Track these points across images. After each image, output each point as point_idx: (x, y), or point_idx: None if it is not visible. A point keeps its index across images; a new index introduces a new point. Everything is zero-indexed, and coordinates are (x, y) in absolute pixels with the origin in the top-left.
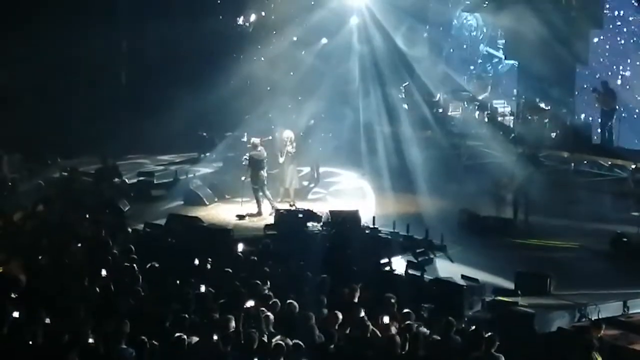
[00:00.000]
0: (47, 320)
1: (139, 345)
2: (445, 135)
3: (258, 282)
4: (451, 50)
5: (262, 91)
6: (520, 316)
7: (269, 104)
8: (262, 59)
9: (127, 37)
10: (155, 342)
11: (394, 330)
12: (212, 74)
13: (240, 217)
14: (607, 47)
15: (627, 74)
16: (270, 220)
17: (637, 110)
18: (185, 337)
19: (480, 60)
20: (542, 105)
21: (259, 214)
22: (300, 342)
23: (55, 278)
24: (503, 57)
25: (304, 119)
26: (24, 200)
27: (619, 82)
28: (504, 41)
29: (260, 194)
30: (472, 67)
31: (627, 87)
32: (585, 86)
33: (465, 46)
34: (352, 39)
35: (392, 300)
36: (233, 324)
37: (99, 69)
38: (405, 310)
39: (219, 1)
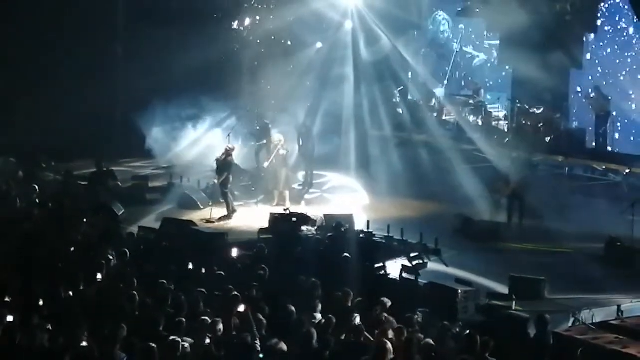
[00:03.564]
0: (42, 325)
1: (133, 349)
2: (439, 139)
3: (251, 286)
4: (428, 50)
5: (256, 94)
6: (514, 320)
7: (263, 107)
8: (256, 62)
9: (123, 41)
10: (149, 345)
11: (390, 334)
12: (208, 77)
13: (208, 220)
14: (601, 51)
15: (621, 78)
16: (260, 223)
17: (630, 115)
18: (179, 340)
19: (456, 59)
20: (536, 109)
21: (231, 213)
22: (294, 347)
23: (50, 282)
24: (476, 54)
25: (298, 123)
26: (19, 204)
27: (612, 86)
28: (498, 42)
29: (230, 196)
30: (447, 68)
31: (621, 92)
32: (579, 90)
33: (440, 47)
34: (347, 43)
35: (387, 305)
36: (221, 326)
37: (94, 72)
38: (407, 315)
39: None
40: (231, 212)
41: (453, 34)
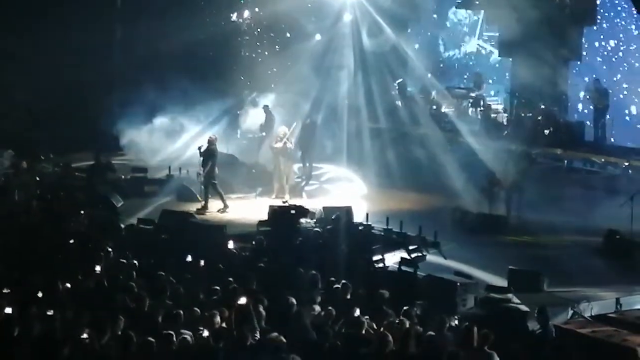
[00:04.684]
0: (41, 317)
1: (129, 340)
2: (438, 132)
3: (250, 278)
4: (444, 44)
5: (256, 87)
6: (513, 313)
7: (265, 100)
8: (256, 54)
9: (121, 33)
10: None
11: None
12: (207, 71)
13: (199, 211)
14: (601, 44)
15: (621, 71)
16: (259, 216)
17: (630, 108)
18: (173, 333)
19: (474, 53)
20: (535, 102)
21: (225, 206)
22: (294, 339)
23: (49, 274)
24: (492, 50)
25: (301, 116)
26: (17, 196)
27: (612, 79)
28: (497, 34)
29: (217, 188)
30: (465, 60)
31: (620, 84)
32: (578, 83)
33: (459, 40)
34: (346, 35)
35: (386, 297)
36: (218, 319)
37: (92, 64)
38: (406, 308)
39: None
40: (225, 202)
41: (471, 27)
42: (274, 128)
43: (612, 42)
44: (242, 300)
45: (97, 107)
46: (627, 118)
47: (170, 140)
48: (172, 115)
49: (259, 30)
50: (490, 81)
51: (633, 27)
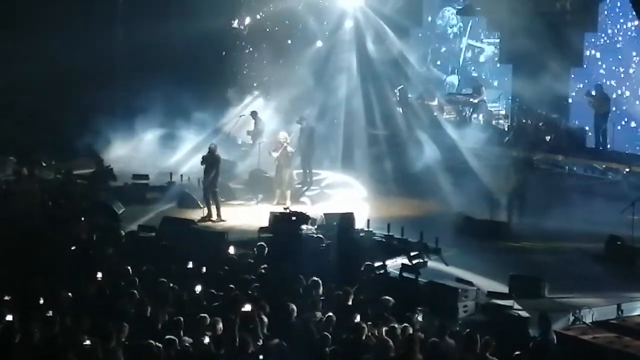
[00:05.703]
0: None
1: (133, 348)
2: (439, 138)
3: (252, 285)
4: (436, 45)
5: (256, 93)
6: (514, 319)
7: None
8: (257, 60)
9: (123, 40)
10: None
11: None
12: (209, 77)
13: (202, 219)
14: (602, 50)
15: (622, 77)
16: (260, 222)
17: (631, 114)
18: (176, 339)
19: (465, 53)
20: (537, 108)
21: (219, 216)
22: (295, 346)
23: (50, 281)
24: (482, 47)
25: (300, 121)
26: (19, 203)
27: (613, 85)
28: (498, 39)
29: (217, 197)
30: (456, 63)
31: (621, 90)
32: (580, 89)
33: (449, 41)
34: (347, 42)
35: (390, 304)
36: (220, 326)
37: (94, 71)
38: (407, 314)
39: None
40: (219, 212)
41: (461, 29)
42: (263, 134)
43: (613, 48)
44: (247, 307)
45: (94, 108)
46: (628, 124)
47: (170, 149)
48: (172, 124)
49: (261, 38)
50: (482, 80)
51: (634, 32)
